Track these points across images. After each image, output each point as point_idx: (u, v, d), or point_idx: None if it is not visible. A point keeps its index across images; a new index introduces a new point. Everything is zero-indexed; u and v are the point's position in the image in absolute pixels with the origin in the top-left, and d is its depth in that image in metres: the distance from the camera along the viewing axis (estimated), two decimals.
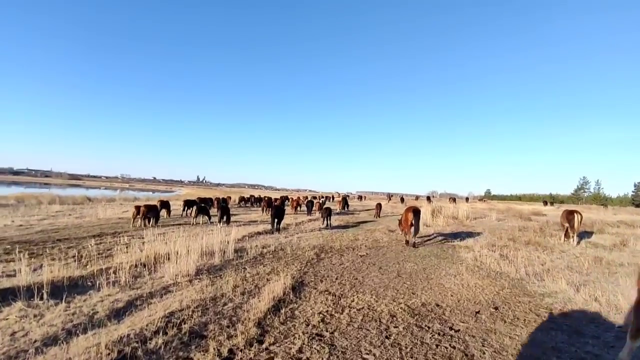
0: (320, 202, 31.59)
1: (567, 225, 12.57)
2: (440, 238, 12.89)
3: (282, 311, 5.10)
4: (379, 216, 23.44)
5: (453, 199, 59.06)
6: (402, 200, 52.94)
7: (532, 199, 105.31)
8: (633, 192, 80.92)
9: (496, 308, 5.40)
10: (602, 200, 78.32)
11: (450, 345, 4.14)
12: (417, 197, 72.86)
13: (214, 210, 22.85)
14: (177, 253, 8.27)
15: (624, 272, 7.62)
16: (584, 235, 13.17)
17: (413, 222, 10.85)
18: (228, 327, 4.48)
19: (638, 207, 69.03)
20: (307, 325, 4.63)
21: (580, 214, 12.33)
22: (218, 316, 4.83)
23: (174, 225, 15.04)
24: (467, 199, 69.95)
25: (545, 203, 65.59)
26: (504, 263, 8.16)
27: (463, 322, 4.85)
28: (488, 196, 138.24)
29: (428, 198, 51.62)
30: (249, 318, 4.78)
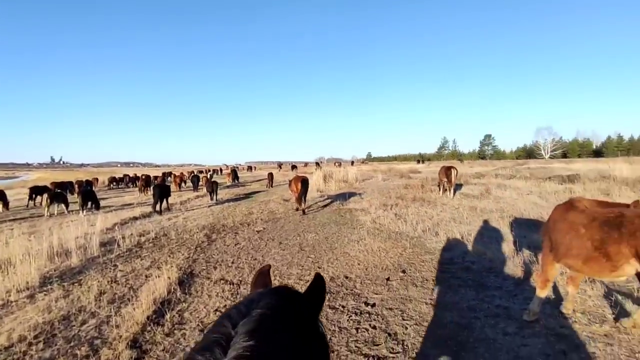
0: (207, 176, 29.38)
1: (445, 179, 13.83)
2: (336, 203, 12.83)
3: (167, 317, 3.95)
4: (272, 186, 22.78)
5: (339, 164, 62.40)
6: (294, 167, 53.42)
7: (405, 158, 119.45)
8: (479, 147, 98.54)
9: (404, 271, 5.18)
10: (458, 156, 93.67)
11: (370, 325, 3.64)
12: (306, 164, 74.84)
13: (85, 197, 18.81)
14: (9, 260, 6.08)
15: (494, 217, 8.49)
16: (455, 187, 14.75)
17: (301, 190, 10.79)
18: (88, 357, 3.14)
19: (483, 159, 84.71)
20: (202, 330, 3.59)
21: (456, 169, 13.66)
22: (72, 343, 3.43)
23: (13, 220, 11.64)
24: (352, 162, 75.18)
25: (419, 161, 74.86)
26: (400, 222, 8.27)
27: (377, 294, 4.45)
28: (369, 158, 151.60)
29: (317, 164, 53.35)
30: (121, 336, 3.51)
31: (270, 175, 24.01)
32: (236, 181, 28.60)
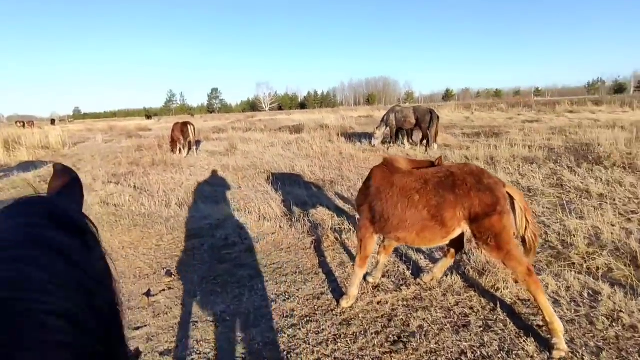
0: None
1: (181, 137, 12.27)
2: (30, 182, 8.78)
3: None
4: None
5: (25, 123, 46.05)
6: None
7: (128, 114, 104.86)
8: (207, 101, 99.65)
9: (170, 274, 3.69)
10: (188, 110, 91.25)
11: None
12: None
13: None
14: None
15: (250, 174, 8.09)
16: (196, 145, 13.49)
17: None
18: None
19: (213, 112, 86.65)
20: None
21: (193, 125, 12.30)
22: None
23: None
24: (52, 121, 57.70)
25: (148, 117, 67.31)
26: (144, 198, 6.34)
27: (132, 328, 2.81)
28: (78, 115, 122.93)
29: None
30: None
31: None
32: None
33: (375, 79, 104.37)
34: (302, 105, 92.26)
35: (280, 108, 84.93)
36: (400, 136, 12.14)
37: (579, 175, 5.66)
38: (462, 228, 2.37)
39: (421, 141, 11.50)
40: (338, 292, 3.02)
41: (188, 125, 12.01)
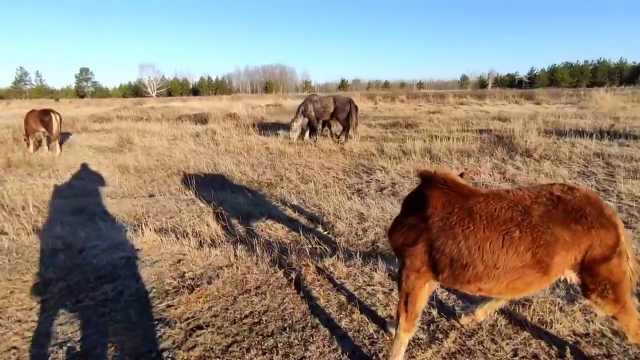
0: None
1: (41, 130, 9.44)
2: None
3: None
4: None
5: None
6: None
7: None
8: (76, 83, 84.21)
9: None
10: (47, 93, 75.32)
11: None
12: None
13: None
14: None
15: (161, 175, 6.51)
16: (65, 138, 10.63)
17: None
18: None
19: (83, 97, 73.43)
20: None
21: (58, 114, 9.55)
22: None
23: None
24: None
25: None
26: (0, 217, 4.35)
27: None
28: None
29: None
30: None
31: None
32: None
33: (272, 66, 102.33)
34: (195, 92, 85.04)
35: (169, 94, 76.43)
36: (319, 128, 11.58)
37: (521, 170, 5.87)
38: (565, 275, 1.80)
39: (342, 133, 11.14)
40: (361, 356, 2.18)
41: (52, 115, 9.25)
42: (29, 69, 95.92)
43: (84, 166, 7.41)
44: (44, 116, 9.06)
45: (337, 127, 11.48)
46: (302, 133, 11.06)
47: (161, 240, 3.72)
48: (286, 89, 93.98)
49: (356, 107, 10.60)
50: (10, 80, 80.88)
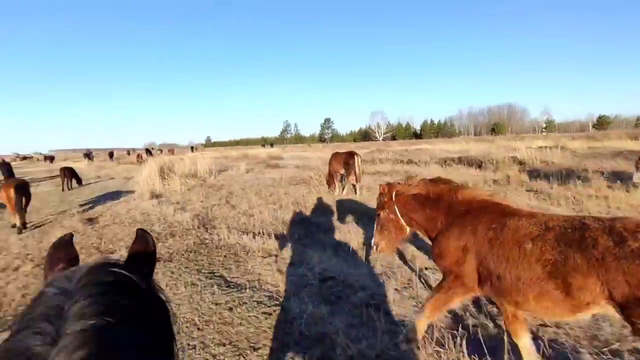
0: None
1: (342, 172, 9.54)
2: (188, 222, 6.83)
3: None
4: (70, 187, 14.30)
5: (171, 150, 51.77)
6: (112, 155, 40.81)
7: (248, 142, 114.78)
8: (320, 131, 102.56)
9: None
10: (300, 140, 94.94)
11: None
12: (129, 152, 58.82)
13: None
14: None
15: None
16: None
17: (15, 199, 7.28)
18: None
19: (323, 142, 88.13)
20: None
21: (359, 155, 9.49)
22: None
23: None
24: (192, 148, 64.93)
25: (264, 145, 71.01)
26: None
27: None
28: (209, 143, 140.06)
29: (148, 151, 41.39)
30: None
31: (68, 170, 14.76)
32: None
33: (499, 107, 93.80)
34: (417, 135, 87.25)
35: (393, 138, 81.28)
36: None
37: None
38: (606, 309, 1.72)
39: None
40: None
41: (354, 156, 9.24)
42: (290, 121, 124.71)
43: None
44: (349, 157, 9.15)
45: None
46: None
47: None
48: (515, 130, 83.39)
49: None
50: (278, 131, 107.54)
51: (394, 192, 2.83)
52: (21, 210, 7.41)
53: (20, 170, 28.05)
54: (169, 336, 0.70)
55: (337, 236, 5.65)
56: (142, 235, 0.81)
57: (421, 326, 2.41)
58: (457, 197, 2.46)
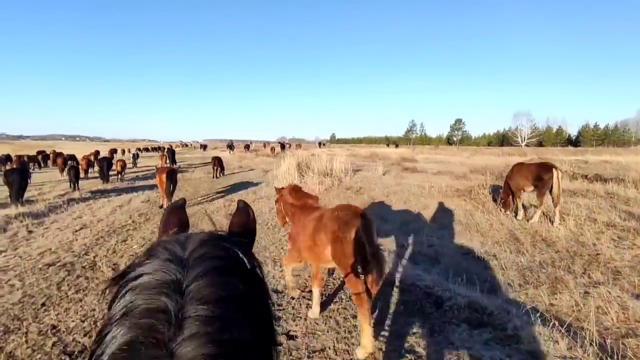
0: (134, 154, 22.20)
1: (530, 189, 7.07)
2: None
3: None
4: (218, 175, 15.38)
5: (299, 145, 54.07)
6: (248, 147, 44.76)
7: (371, 141, 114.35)
8: (449, 132, 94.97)
9: None
10: (426, 141, 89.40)
11: None
12: (265, 145, 64.36)
13: None
14: None
15: None
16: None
17: (166, 184, 8.30)
18: None
19: (451, 144, 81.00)
20: None
21: (559, 169, 6.90)
22: None
23: None
24: (319, 144, 67.14)
25: (388, 144, 68.88)
26: None
27: None
28: (333, 140, 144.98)
29: (282, 145, 43.95)
30: None
31: (218, 160, 16.06)
32: (175, 165, 21.16)
33: None
34: (571, 142, 72.28)
35: (540, 144, 68.72)
36: None
37: None
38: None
39: None
40: None
41: (552, 170, 6.73)
42: (417, 121, 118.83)
43: None
44: (544, 170, 6.77)
45: None
46: None
47: None
48: None
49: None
50: (403, 130, 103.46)
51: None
52: (170, 194, 8.48)
53: (181, 156, 32.87)
54: (273, 332, 0.62)
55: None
56: (244, 208, 0.80)
57: (287, 270, 3.80)
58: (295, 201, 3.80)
